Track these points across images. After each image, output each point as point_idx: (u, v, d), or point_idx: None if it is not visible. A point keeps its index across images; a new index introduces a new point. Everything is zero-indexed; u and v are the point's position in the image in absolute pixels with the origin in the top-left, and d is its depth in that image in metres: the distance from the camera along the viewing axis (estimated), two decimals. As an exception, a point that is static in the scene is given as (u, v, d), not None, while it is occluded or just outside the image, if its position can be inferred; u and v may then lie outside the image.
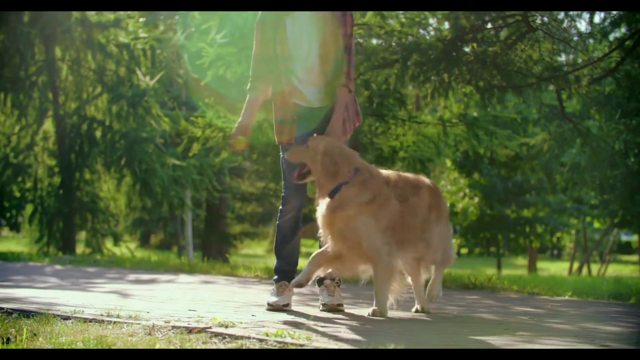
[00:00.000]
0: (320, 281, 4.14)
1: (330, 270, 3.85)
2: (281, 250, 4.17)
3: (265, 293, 4.50)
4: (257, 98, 4.19)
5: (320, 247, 3.94)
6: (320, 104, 4.09)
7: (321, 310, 4.00)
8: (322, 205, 3.75)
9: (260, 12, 4.18)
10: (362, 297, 4.79)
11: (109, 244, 15.34)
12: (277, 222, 4.18)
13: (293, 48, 4.05)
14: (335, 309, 3.97)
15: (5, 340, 2.89)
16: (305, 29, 4.05)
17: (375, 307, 3.72)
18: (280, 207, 4.16)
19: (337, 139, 3.87)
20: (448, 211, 4.16)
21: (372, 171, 3.74)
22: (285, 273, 4.13)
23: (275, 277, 4.17)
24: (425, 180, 3.96)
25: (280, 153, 4.16)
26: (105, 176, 14.21)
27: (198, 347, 2.70)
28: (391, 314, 3.88)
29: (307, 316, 3.68)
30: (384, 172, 3.81)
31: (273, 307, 3.99)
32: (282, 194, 4.16)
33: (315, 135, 3.92)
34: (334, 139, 3.84)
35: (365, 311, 3.89)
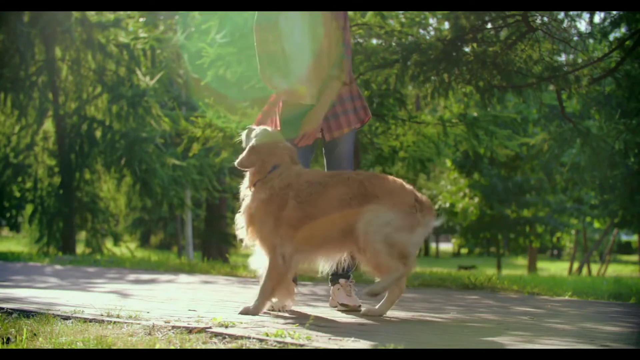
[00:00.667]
0: (334, 280, 4.14)
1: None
2: None
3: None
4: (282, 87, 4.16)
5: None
6: (314, 101, 4.10)
7: (340, 310, 4.00)
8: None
9: (256, 14, 4.19)
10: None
11: (109, 244, 15.35)
12: None
13: (287, 46, 4.08)
14: (357, 309, 3.96)
15: (5, 340, 2.89)
16: (298, 26, 4.07)
17: (249, 304, 3.65)
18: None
19: (277, 132, 3.91)
20: (400, 198, 3.56)
21: (284, 171, 3.71)
22: None
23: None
24: (350, 173, 3.73)
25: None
26: (105, 176, 14.22)
27: (198, 347, 2.70)
28: (391, 314, 3.87)
29: (307, 316, 3.68)
30: (302, 171, 3.74)
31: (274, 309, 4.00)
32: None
33: (308, 118, 3.99)
34: (271, 132, 3.87)
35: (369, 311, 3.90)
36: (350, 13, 7.87)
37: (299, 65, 4.09)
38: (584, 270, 23.62)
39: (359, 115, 4.18)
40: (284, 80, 4.12)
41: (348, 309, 3.99)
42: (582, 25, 12.97)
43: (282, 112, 4.16)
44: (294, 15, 4.09)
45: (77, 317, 3.30)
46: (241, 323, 3.22)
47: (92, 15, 13.41)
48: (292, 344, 2.70)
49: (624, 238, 37.22)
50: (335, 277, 4.15)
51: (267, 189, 3.67)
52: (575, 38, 6.46)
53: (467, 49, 6.81)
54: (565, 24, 6.41)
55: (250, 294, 5.18)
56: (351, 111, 4.16)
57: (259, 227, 3.68)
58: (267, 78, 4.17)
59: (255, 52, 4.20)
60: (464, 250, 39.20)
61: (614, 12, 6.48)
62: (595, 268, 24.65)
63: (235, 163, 3.81)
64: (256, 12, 4.19)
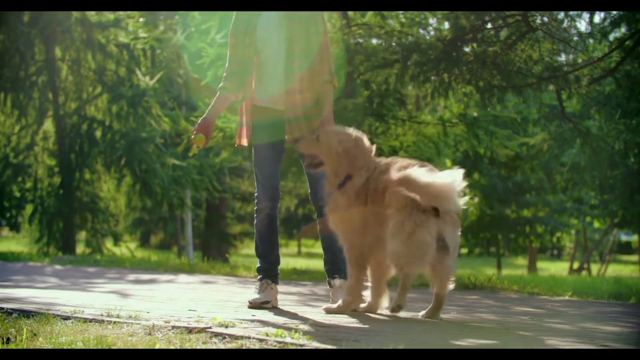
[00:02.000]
0: (331, 283, 4.17)
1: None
2: (260, 249, 4.24)
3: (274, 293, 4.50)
4: (227, 97, 4.21)
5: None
6: (279, 107, 4.13)
7: None
8: (333, 199, 3.80)
9: (233, 17, 4.21)
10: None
11: (109, 244, 15.34)
12: (254, 223, 4.25)
13: (264, 50, 4.11)
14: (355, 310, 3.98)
15: (5, 340, 2.89)
16: (273, 30, 4.11)
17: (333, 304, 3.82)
18: (255, 207, 4.23)
19: (347, 130, 3.89)
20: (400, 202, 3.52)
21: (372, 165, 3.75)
22: (266, 272, 4.20)
23: (259, 276, 4.24)
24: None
25: (253, 154, 4.22)
26: (105, 176, 14.22)
27: (198, 347, 2.70)
28: (390, 313, 3.87)
29: (307, 316, 3.68)
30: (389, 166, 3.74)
31: (252, 305, 4.07)
32: (255, 193, 4.23)
33: (322, 125, 3.98)
34: (345, 130, 3.88)
35: (382, 312, 3.90)
36: (350, 13, 7.88)
37: (273, 72, 4.10)
38: (584, 271, 23.61)
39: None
40: (247, 86, 4.15)
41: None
42: (582, 25, 12.97)
43: (254, 118, 4.18)
44: (271, 20, 4.10)
45: (77, 317, 3.30)
46: (241, 323, 3.22)
47: (92, 15, 13.41)
48: (292, 344, 2.70)
49: (624, 238, 37.20)
50: (332, 279, 4.16)
51: (358, 186, 3.70)
52: (575, 38, 6.46)
53: (467, 49, 6.81)
54: (565, 24, 6.41)
55: (250, 294, 5.18)
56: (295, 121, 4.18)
57: (342, 221, 3.76)
58: (229, 77, 4.16)
59: (227, 56, 4.22)
60: (464, 250, 39.16)
61: (614, 12, 6.48)
62: (595, 268, 24.64)
63: (325, 162, 3.82)
64: (234, 14, 4.22)
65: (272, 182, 4.15)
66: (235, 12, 4.23)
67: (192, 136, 4.14)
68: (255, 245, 4.28)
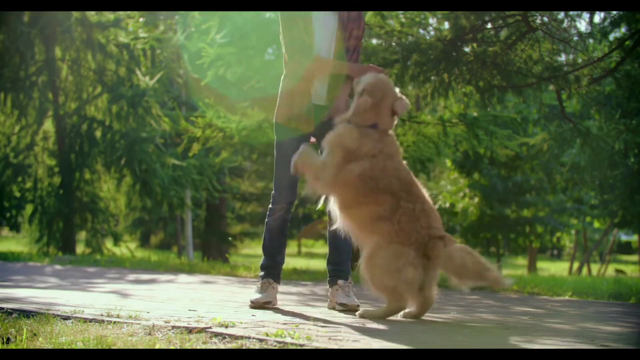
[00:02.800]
0: (332, 282, 4.16)
1: None
2: (269, 247, 4.22)
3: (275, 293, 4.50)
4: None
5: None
6: (326, 103, 4.13)
7: (339, 310, 4.01)
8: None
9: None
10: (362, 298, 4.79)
11: (109, 244, 15.34)
12: (266, 220, 4.24)
13: (318, 43, 4.09)
14: (355, 309, 3.97)
15: (5, 340, 2.89)
16: (328, 26, 4.10)
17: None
18: (270, 206, 4.21)
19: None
20: None
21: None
22: (270, 270, 4.19)
23: (261, 273, 4.22)
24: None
25: (276, 150, 4.18)
26: (105, 176, 14.22)
27: (198, 347, 2.70)
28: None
29: (307, 316, 3.68)
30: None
31: (254, 305, 4.05)
32: (272, 192, 4.20)
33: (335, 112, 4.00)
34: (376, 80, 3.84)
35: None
36: (350, 13, 7.86)
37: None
38: (584, 270, 23.60)
39: None
40: (296, 74, 4.11)
41: (347, 309, 4.00)
42: (582, 25, 12.96)
43: (291, 108, 4.13)
44: (325, 13, 4.12)
45: (77, 317, 3.30)
46: (241, 323, 3.22)
47: (92, 15, 13.41)
48: (292, 344, 2.69)
49: (624, 238, 37.19)
50: (333, 278, 4.16)
51: (371, 139, 3.74)
52: (575, 38, 6.46)
53: (467, 49, 6.80)
54: (565, 24, 6.40)
55: (250, 294, 5.18)
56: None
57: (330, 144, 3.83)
58: (296, 62, 4.11)
59: (282, 37, 4.15)
60: (464, 250, 39.14)
61: (614, 12, 6.48)
62: (595, 268, 24.63)
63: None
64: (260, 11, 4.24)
65: (295, 182, 4.12)
66: None
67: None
68: (264, 243, 4.24)
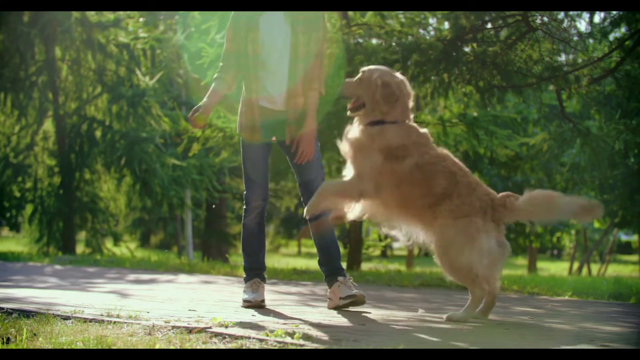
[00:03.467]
0: (331, 280, 4.15)
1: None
2: (249, 248, 4.25)
3: (265, 293, 4.51)
4: (220, 90, 4.20)
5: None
6: (284, 108, 4.12)
7: (345, 305, 4.01)
8: (354, 129, 3.79)
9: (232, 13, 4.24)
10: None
11: (109, 244, 15.34)
12: (243, 222, 4.27)
13: (265, 49, 4.09)
14: (362, 299, 3.99)
15: (5, 340, 2.89)
16: (278, 30, 4.10)
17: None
18: (244, 207, 4.24)
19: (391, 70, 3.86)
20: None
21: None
22: (254, 271, 4.23)
23: (246, 275, 4.25)
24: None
25: (246, 153, 4.21)
26: (105, 176, 14.22)
27: (198, 347, 2.70)
28: (390, 313, 3.87)
29: (307, 316, 3.68)
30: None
31: (251, 304, 4.07)
32: (245, 193, 4.22)
33: (305, 135, 4.00)
34: (388, 70, 3.83)
35: (370, 311, 3.90)
36: (350, 13, 7.87)
37: (273, 68, 4.10)
38: (584, 270, 23.60)
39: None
40: (246, 83, 4.15)
41: (355, 300, 3.99)
42: (582, 25, 12.96)
43: (244, 114, 4.17)
44: (275, 19, 4.10)
45: (77, 317, 3.30)
46: (241, 323, 3.22)
47: (92, 15, 13.41)
48: (292, 344, 2.70)
49: (624, 238, 37.19)
50: (331, 277, 4.15)
51: (398, 133, 3.73)
52: (575, 38, 6.46)
53: (467, 49, 6.80)
54: (565, 24, 6.40)
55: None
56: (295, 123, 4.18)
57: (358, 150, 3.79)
58: (225, 69, 4.17)
59: (224, 48, 4.22)
60: (464, 250, 39.14)
61: (614, 12, 6.47)
62: (595, 268, 24.63)
63: (367, 102, 3.75)
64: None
65: (265, 181, 4.19)
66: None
67: (194, 116, 4.10)
68: (243, 244, 4.28)
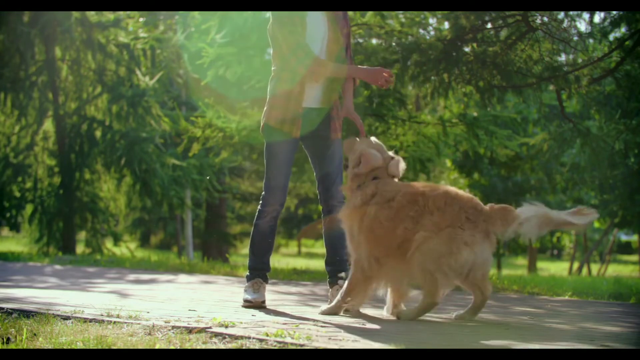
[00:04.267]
0: (332, 281, 4.17)
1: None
2: (258, 248, 4.24)
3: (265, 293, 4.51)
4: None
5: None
6: (321, 105, 4.13)
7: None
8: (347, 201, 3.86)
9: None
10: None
11: (109, 244, 15.34)
12: (256, 222, 4.23)
13: (310, 44, 4.09)
14: (356, 310, 3.99)
15: (5, 340, 2.89)
16: (319, 28, 4.11)
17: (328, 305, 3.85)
18: (260, 208, 4.20)
19: (380, 144, 3.92)
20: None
21: (381, 182, 3.74)
22: (258, 271, 4.23)
23: (248, 274, 4.25)
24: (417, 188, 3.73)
25: (267, 152, 4.17)
26: (105, 176, 14.22)
27: (198, 347, 2.70)
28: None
29: (307, 316, 3.68)
30: (392, 182, 3.75)
31: (252, 304, 4.07)
32: (262, 194, 4.20)
33: (362, 137, 4.03)
34: (377, 144, 3.90)
35: (370, 311, 3.90)
36: (350, 13, 7.86)
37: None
38: (584, 270, 23.60)
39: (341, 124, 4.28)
40: (288, 78, 4.12)
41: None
42: (582, 25, 12.96)
43: (280, 109, 4.14)
44: (316, 15, 4.12)
45: (77, 317, 3.30)
46: (241, 323, 3.22)
47: (92, 15, 13.41)
48: (292, 344, 2.70)
49: (624, 238, 37.19)
50: (333, 278, 4.18)
51: (359, 198, 3.69)
52: (575, 38, 6.46)
53: (467, 49, 6.80)
54: (565, 24, 6.40)
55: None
56: (338, 119, 4.25)
57: (347, 230, 3.76)
58: (294, 63, 4.07)
59: (277, 36, 4.10)
60: (464, 250, 39.11)
61: (614, 12, 6.48)
62: (595, 268, 24.63)
63: (362, 163, 3.78)
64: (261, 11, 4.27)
65: (286, 185, 4.14)
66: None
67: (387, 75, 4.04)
68: (252, 243, 4.26)
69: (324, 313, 3.77)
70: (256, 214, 4.24)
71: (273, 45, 4.15)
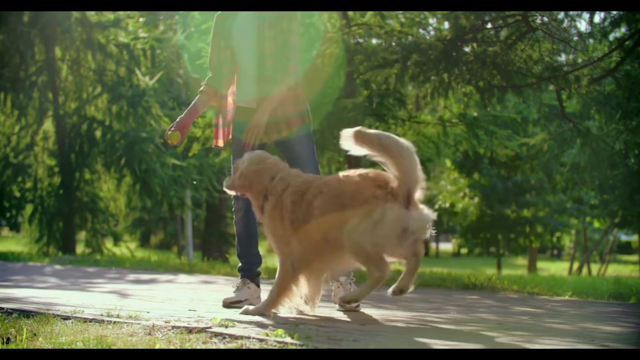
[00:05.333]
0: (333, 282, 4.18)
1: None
2: (238, 248, 4.28)
3: (264, 293, 4.51)
4: (201, 106, 4.24)
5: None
6: (257, 105, 4.13)
7: (339, 310, 3.99)
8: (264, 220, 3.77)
9: (214, 18, 4.27)
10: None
11: (109, 244, 15.34)
12: (234, 222, 4.30)
13: (239, 52, 4.16)
14: (355, 309, 3.96)
15: (5, 340, 2.89)
16: (249, 31, 4.14)
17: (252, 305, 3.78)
18: (233, 208, 4.28)
19: (261, 152, 3.82)
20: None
21: (283, 175, 3.68)
22: (244, 271, 4.26)
23: (240, 274, 4.30)
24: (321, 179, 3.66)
25: (233, 153, 4.24)
26: (105, 176, 14.22)
27: (198, 347, 2.70)
28: (391, 313, 3.87)
29: (307, 316, 3.68)
30: (300, 173, 3.71)
31: (223, 304, 4.12)
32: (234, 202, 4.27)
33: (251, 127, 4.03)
34: (252, 156, 3.77)
35: (370, 311, 3.90)
36: (350, 13, 7.87)
37: (248, 73, 4.15)
38: (584, 270, 23.61)
39: (304, 119, 4.18)
40: (238, 88, 4.21)
41: (345, 309, 4.00)
42: (582, 25, 12.99)
43: (235, 117, 4.23)
44: (246, 21, 4.14)
45: (77, 317, 3.30)
46: (241, 323, 3.22)
47: (92, 15, 13.41)
48: (292, 344, 2.69)
49: (624, 238, 37.21)
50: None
51: (273, 197, 3.64)
52: (575, 38, 6.46)
53: (467, 49, 6.80)
54: (565, 24, 6.40)
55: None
56: (293, 114, 4.15)
57: (270, 233, 3.68)
58: (210, 88, 4.22)
59: (209, 57, 4.28)
60: (464, 250, 39.14)
61: (614, 12, 6.48)
62: (595, 268, 24.63)
63: (225, 186, 3.81)
64: (215, 16, 4.29)
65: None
66: (216, 14, 4.27)
67: (168, 133, 4.15)
68: (236, 245, 4.32)
69: (244, 312, 3.63)
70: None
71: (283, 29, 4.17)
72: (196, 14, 12.08)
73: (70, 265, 8.84)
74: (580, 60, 6.66)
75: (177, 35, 13.96)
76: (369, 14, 7.44)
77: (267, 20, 4.08)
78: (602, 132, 7.28)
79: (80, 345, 2.72)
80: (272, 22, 4.07)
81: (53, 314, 3.38)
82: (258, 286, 4.26)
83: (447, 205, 23.75)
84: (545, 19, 6.33)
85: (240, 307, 3.99)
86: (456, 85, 7.13)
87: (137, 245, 27.49)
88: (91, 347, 2.69)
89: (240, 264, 4.30)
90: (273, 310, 3.62)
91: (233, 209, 4.27)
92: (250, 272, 4.25)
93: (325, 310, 4.07)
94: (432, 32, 7.81)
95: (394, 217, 3.32)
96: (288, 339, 2.76)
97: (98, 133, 13.61)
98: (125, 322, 3.15)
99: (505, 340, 3.01)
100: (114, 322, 3.17)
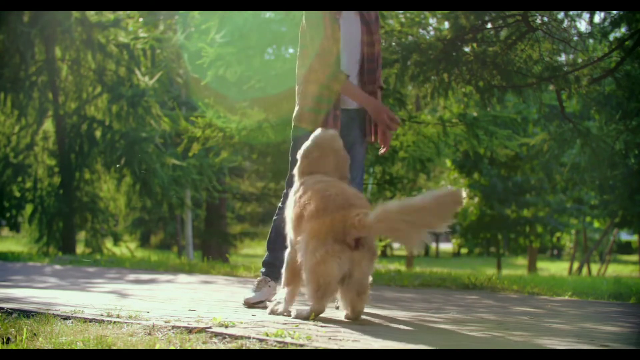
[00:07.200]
0: None
1: None
2: (274, 245, 4.18)
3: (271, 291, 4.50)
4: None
5: None
6: (357, 106, 4.15)
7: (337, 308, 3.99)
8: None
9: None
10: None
11: (109, 244, 15.34)
12: (275, 218, 4.21)
13: (344, 48, 4.10)
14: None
15: (5, 340, 2.89)
16: (355, 30, 4.12)
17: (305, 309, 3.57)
18: (280, 205, 4.19)
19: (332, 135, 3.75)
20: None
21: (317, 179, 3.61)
22: (270, 266, 4.19)
23: (263, 269, 4.23)
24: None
25: (291, 150, 4.13)
26: (105, 176, 14.22)
27: (198, 347, 2.70)
28: (391, 313, 3.87)
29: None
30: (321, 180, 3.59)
31: (246, 304, 4.08)
32: (285, 191, 4.14)
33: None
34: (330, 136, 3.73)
35: (370, 312, 3.90)
36: (350, 13, 7.86)
37: (347, 67, 4.13)
38: (584, 270, 23.61)
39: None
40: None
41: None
42: (582, 25, 12.98)
43: (317, 114, 4.13)
44: (349, 17, 4.12)
45: (77, 317, 3.30)
46: (241, 323, 3.22)
47: (92, 15, 13.42)
48: (292, 344, 2.69)
49: (624, 238, 37.22)
50: None
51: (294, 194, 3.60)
52: (575, 38, 6.46)
53: (467, 49, 6.80)
54: (565, 24, 6.40)
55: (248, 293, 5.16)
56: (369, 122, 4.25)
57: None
58: (321, 72, 4.06)
59: (310, 45, 4.08)
60: (464, 250, 39.14)
61: (614, 12, 6.48)
62: (595, 268, 24.63)
63: (299, 153, 3.71)
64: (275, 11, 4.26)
65: None
66: (328, 14, 4.08)
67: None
68: (270, 240, 4.24)
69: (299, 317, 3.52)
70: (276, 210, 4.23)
71: (301, 44, 4.15)
72: (196, 14, 12.05)
73: (70, 265, 8.84)
74: (580, 60, 6.66)
75: (177, 35, 13.95)
76: (369, 13, 7.43)
77: (365, 23, 4.14)
78: (602, 132, 7.28)
79: (80, 345, 2.72)
80: (367, 27, 4.15)
81: (53, 314, 3.38)
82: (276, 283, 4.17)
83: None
84: (545, 19, 6.32)
85: (263, 308, 3.95)
86: (456, 85, 7.12)
87: (137, 245, 27.48)
88: (91, 347, 2.69)
89: (269, 258, 4.20)
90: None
91: (280, 205, 4.16)
92: (275, 269, 4.06)
93: (325, 310, 4.06)
94: (432, 32, 7.80)
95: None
96: (288, 339, 2.76)
97: (98, 133, 13.61)
98: (125, 322, 3.15)
99: (505, 340, 3.01)
100: (114, 322, 3.17)
